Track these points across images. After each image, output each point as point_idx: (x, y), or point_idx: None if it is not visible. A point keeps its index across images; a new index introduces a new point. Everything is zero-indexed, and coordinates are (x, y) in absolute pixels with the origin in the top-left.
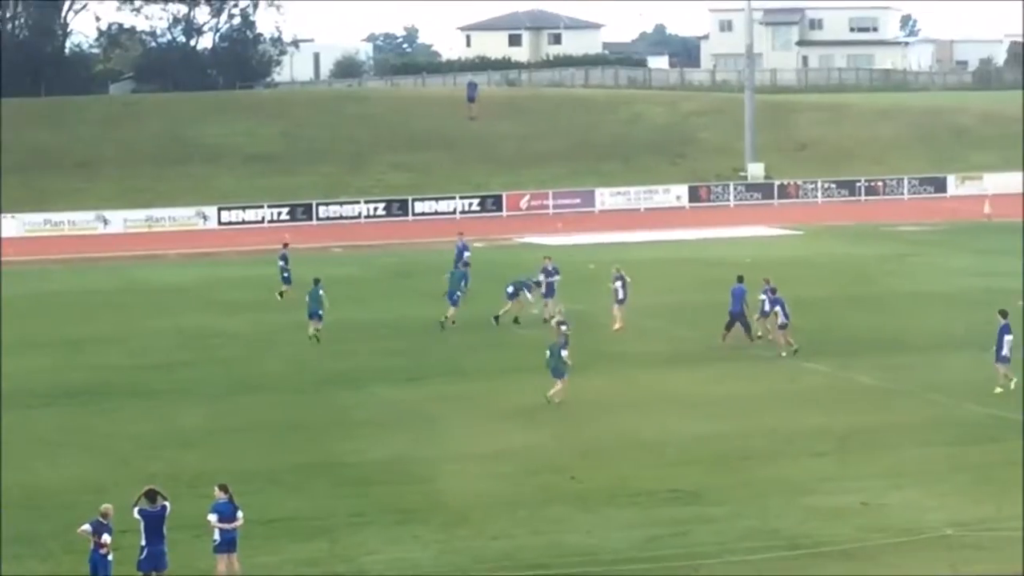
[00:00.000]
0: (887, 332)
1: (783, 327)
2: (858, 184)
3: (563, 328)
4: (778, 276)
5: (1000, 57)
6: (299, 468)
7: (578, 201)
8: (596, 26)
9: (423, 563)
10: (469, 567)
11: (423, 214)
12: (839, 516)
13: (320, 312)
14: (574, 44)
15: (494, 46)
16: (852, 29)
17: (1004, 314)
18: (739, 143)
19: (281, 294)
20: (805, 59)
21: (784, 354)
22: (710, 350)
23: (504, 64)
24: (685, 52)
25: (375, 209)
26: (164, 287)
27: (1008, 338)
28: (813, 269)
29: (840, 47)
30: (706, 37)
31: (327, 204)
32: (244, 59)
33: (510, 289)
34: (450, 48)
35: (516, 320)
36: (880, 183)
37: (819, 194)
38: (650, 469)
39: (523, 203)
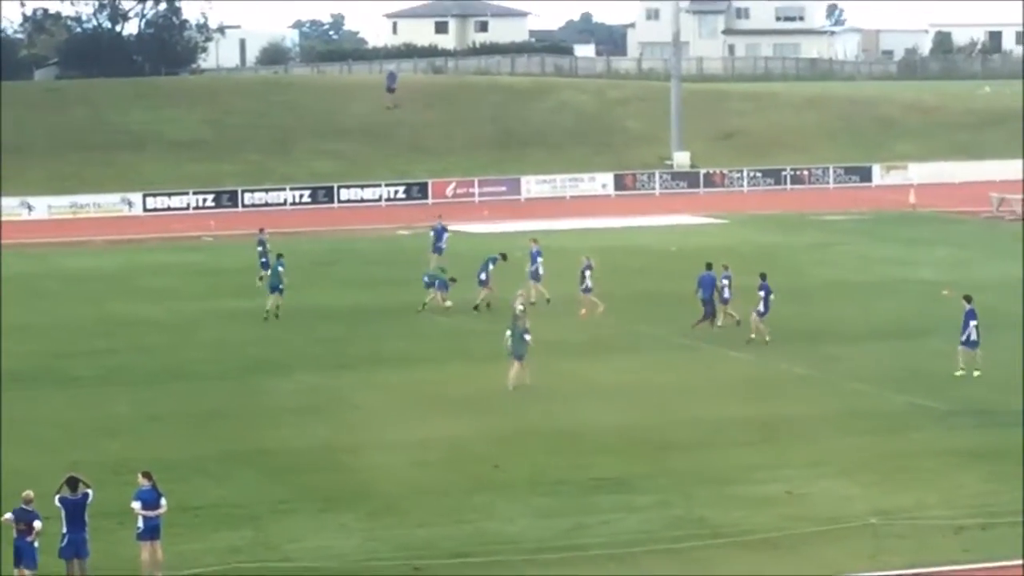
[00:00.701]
0: (812, 321)
1: (761, 315)
2: (784, 173)
3: (519, 310)
4: (704, 265)
5: (925, 47)
6: (224, 456)
7: (504, 189)
8: (522, 14)
9: (347, 551)
10: (393, 555)
11: (348, 201)
12: (764, 505)
13: (280, 287)
14: (500, 32)
15: (420, 33)
16: (778, 18)
17: (969, 299)
18: (665, 132)
19: (261, 279)
20: (732, 48)
21: (753, 336)
22: (635, 339)
23: (430, 51)
24: (611, 40)
25: (300, 196)
26: (88, 274)
27: (973, 323)
28: (738, 258)
29: (766, 36)
30: (632, 25)
31: (252, 191)
32: (170, 45)
33: (482, 276)
34: (376, 35)
35: (476, 307)
36: (806, 172)
37: (745, 183)
38: (574, 458)
39: (449, 191)
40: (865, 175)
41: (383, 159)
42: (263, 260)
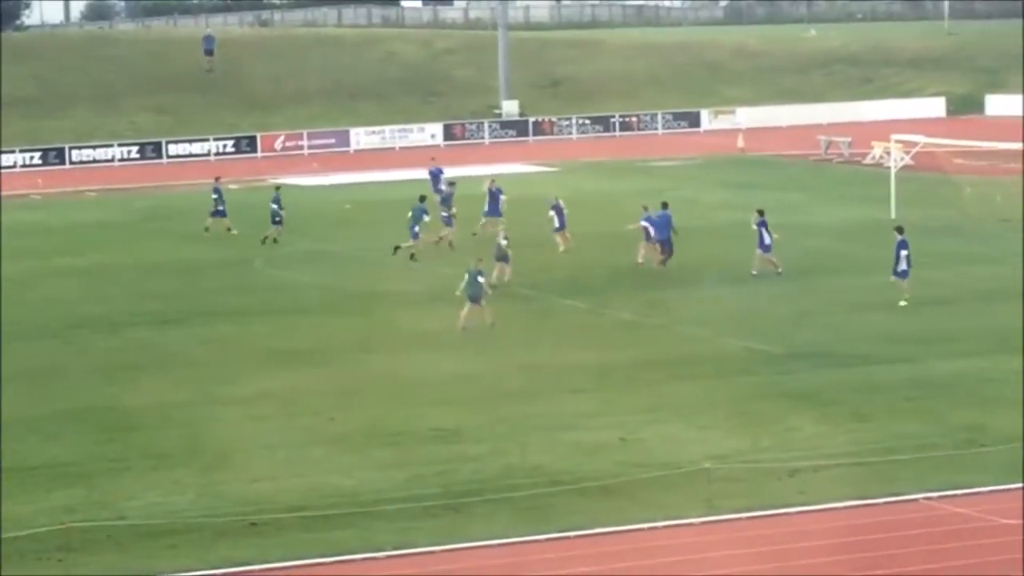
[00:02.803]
0: (644, 267)
1: (767, 249)
2: (612, 120)
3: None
4: (535, 213)
5: None
6: (56, 415)
7: (333, 141)
8: None
9: (182, 507)
10: (229, 510)
11: (177, 156)
12: (599, 452)
13: (278, 219)
14: None
15: None
16: None
17: (900, 230)
18: (493, 81)
19: (275, 239)
20: None
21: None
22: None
23: (256, 5)
24: None
25: (128, 152)
26: None
27: (904, 253)
28: (569, 206)
29: None
30: None
31: (80, 148)
32: None
33: (415, 228)
34: None
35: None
36: (634, 119)
37: (574, 130)
38: (410, 408)
39: (278, 144)
40: (693, 120)
41: (211, 114)
42: (220, 208)
